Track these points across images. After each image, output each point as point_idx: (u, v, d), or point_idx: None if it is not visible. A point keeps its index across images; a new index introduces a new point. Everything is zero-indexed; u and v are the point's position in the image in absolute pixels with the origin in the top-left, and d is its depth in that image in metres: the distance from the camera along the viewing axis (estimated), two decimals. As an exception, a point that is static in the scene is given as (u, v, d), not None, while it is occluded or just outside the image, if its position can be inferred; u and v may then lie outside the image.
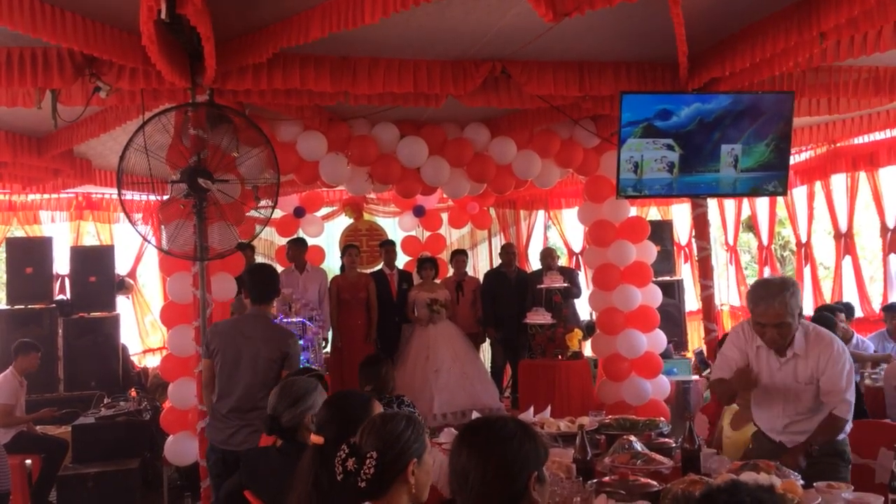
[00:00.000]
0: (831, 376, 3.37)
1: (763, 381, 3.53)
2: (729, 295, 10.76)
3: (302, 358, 6.53)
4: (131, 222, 5.04)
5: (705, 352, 6.64)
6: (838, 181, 8.44)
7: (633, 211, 7.50)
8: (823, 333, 3.46)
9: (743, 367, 3.53)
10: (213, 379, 4.49)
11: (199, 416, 5.10)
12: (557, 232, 11.06)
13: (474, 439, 2.03)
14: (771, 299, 3.32)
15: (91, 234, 9.73)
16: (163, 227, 5.11)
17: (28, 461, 6.39)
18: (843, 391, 3.36)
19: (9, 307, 7.94)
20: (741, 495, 1.61)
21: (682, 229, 10.60)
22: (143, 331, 9.74)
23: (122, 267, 9.15)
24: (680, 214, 10.46)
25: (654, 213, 10.44)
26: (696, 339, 9.50)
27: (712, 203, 8.50)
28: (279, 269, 8.40)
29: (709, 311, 6.50)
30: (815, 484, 3.02)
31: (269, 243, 9.90)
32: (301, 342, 6.62)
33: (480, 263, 10.75)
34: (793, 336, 3.41)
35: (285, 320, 6.67)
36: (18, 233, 9.16)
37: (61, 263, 8.50)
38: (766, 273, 9.79)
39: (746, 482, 1.68)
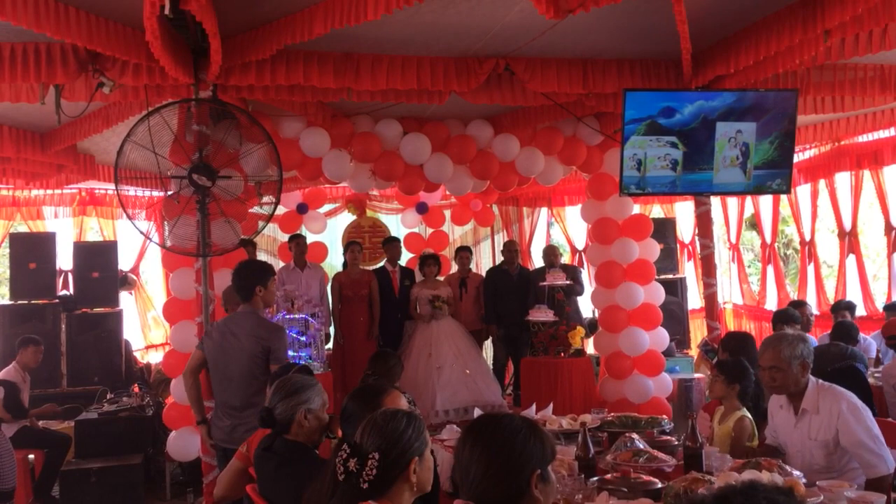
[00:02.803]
0: (848, 432, 3.30)
1: (783, 441, 3.61)
2: (731, 293, 10.75)
3: (304, 354, 6.55)
4: (129, 217, 5.04)
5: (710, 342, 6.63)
6: (842, 179, 8.41)
7: (637, 208, 7.50)
8: (835, 389, 3.47)
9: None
10: (198, 367, 4.54)
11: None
12: (560, 229, 11.06)
13: (479, 434, 2.03)
14: (769, 345, 3.53)
15: (94, 230, 9.75)
16: (165, 223, 5.12)
17: (31, 456, 6.41)
18: (866, 443, 3.26)
19: (12, 302, 7.96)
20: (758, 497, 1.59)
21: (686, 227, 10.59)
22: (145, 326, 9.76)
23: (125, 263, 9.17)
24: (683, 212, 10.46)
25: (657, 210, 10.43)
26: (698, 337, 9.48)
27: (715, 201, 8.49)
28: (280, 265, 8.46)
29: (711, 309, 6.49)
30: (817, 482, 3.02)
31: (271, 239, 9.90)
32: (304, 339, 6.65)
33: (483, 260, 10.74)
34: (803, 390, 3.47)
35: (288, 317, 6.67)
36: (22, 228, 9.19)
37: (64, 259, 8.52)
38: (770, 271, 9.78)
39: (764, 483, 1.66)
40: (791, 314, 6.23)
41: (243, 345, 4.33)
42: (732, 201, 10.23)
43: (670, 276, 8.92)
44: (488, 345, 8.91)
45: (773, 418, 3.70)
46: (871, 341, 6.96)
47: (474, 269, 9.28)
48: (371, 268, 8.71)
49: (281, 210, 9.13)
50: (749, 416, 4.01)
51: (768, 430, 3.80)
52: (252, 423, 4.20)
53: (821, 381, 3.52)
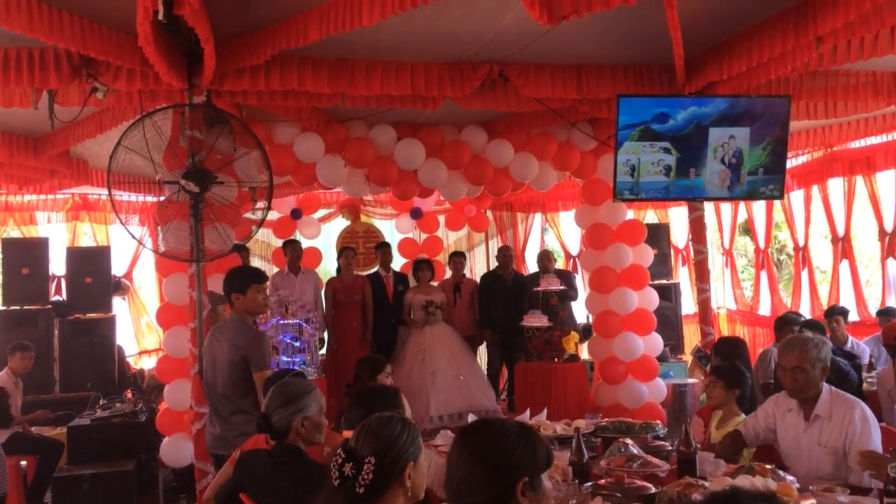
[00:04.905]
0: (852, 437, 3.32)
1: (787, 446, 3.59)
2: (725, 298, 10.78)
3: (298, 359, 6.54)
4: (122, 223, 5.04)
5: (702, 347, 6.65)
6: (835, 185, 8.45)
7: (630, 214, 7.51)
8: (848, 397, 3.50)
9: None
10: None
11: (194, 417, 5.10)
12: (554, 235, 11.07)
13: (469, 437, 2.02)
14: (793, 346, 3.51)
15: (87, 235, 9.72)
16: (159, 228, 5.11)
17: (23, 462, 6.37)
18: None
19: (5, 308, 7.93)
20: (741, 503, 1.59)
21: (680, 232, 10.61)
22: (139, 332, 9.72)
23: (118, 268, 9.14)
24: (677, 217, 10.48)
25: (651, 216, 10.45)
26: (692, 342, 9.49)
27: (709, 206, 8.50)
28: (274, 270, 8.45)
29: (705, 314, 6.51)
30: (810, 487, 3.02)
31: (265, 245, 9.89)
32: (297, 344, 6.64)
33: (477, 266, 10.75)
34: (817, 395, 3.47)
35: (282, 322, 6.67)
36: (14, 233, 9.14)
37: (57, 264, 8.49)
38: (763, 276, 9.81)
39: (748, 490, 1.66)
40: (793, 319, 6.23)
41: (224, 352, 4.32)
42: (726, 207, 10.26)
43: (664, 282, 8.93)
44: (482, 350, 8.91)
45: (777, 421, 3.66)
46: (864, 347, 6.97)
47: (468, 275, 9.29)
48: (364, 273, 8.71)
49: (275, 215, 9.13)
50: None
51: (752, 422, 3.77)
52: (240, 428, 4.19)
53: (834, 388, 3.52)
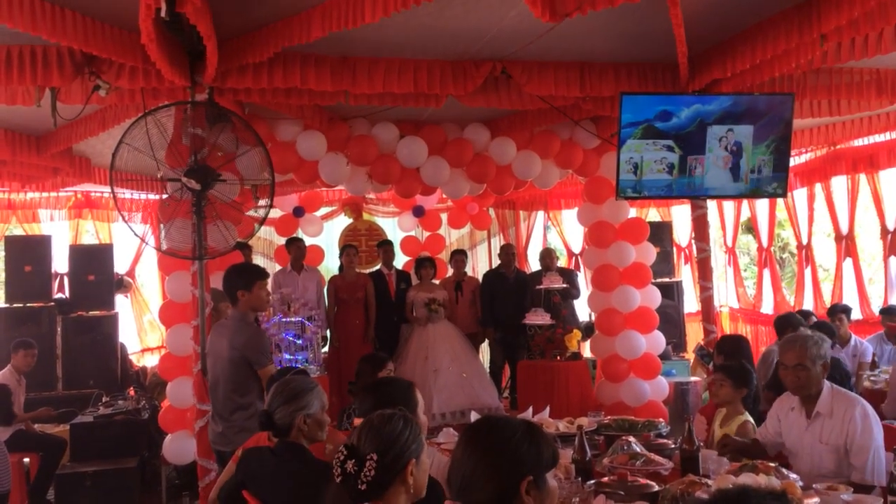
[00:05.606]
0: (852, 435, 3.32)
1: (790, 444, 3.60)
2: (728, 296, 10.76)
3: (300, 357, 6.54)
4: (125, 220, 5.03)
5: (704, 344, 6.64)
6: (838, 183, 8.44)
7: (633, 212, 7.50)
8: (849, 394, 3.52)
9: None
10: None
11: (197, 415, 5.10)
12: (557, 233, 11.06)
13: (473, 434, 2.02)
14: (794, 343, 3.52)
15: (90, 233, 9.73)
16: (161, 226, 5.11)
17: (26, 459, 6.39)
18: (866, 450, 3.30)
19: (7, 305, 7.95)
20: (750, 502, 1.59)
21: (682, 231, 10.60)
22: (141, 330, 9.74)
23: (120, 266, 9.15)
24: (680, 216, 10.47)
25: (653, 214, 10.43)
26: (694, 340, 9.49)
27: (712, 204, 8.49)
28: (276, 268, 8.45)
29: (708, 312, 6.50)
30: (814, 485, 3.02)
31: (268, 243, 9.89)
32: (300, 342, 6.64)
33: (480, 264, 10.74)
34: (818, 392, 3.47)
35: (284, 320, 6.67)
36: (17, 231, 9.16)
37: (60, 262, 8.50)
38: (766, 275, 9.80)
39: (757, 488, 1.65)
40: (793, 320, 6.21)
41: (224, 350, 4.34)
42: (729, 205, 10.24)
43: (667, 280, 8.93)
44: (485, 348, 8.91)
45: (781, 421, 3.67)
46: (867, 345, 6.96)
47: (471, 273, 9.29)
48: (367, 271, 8.71)
49: (277, 213, 9.13)
50: (752, 420, 4.02)
51: (764, 432, 3.79)
52: (240, 425, 4.20)
53: (835, 385, 3.53)
